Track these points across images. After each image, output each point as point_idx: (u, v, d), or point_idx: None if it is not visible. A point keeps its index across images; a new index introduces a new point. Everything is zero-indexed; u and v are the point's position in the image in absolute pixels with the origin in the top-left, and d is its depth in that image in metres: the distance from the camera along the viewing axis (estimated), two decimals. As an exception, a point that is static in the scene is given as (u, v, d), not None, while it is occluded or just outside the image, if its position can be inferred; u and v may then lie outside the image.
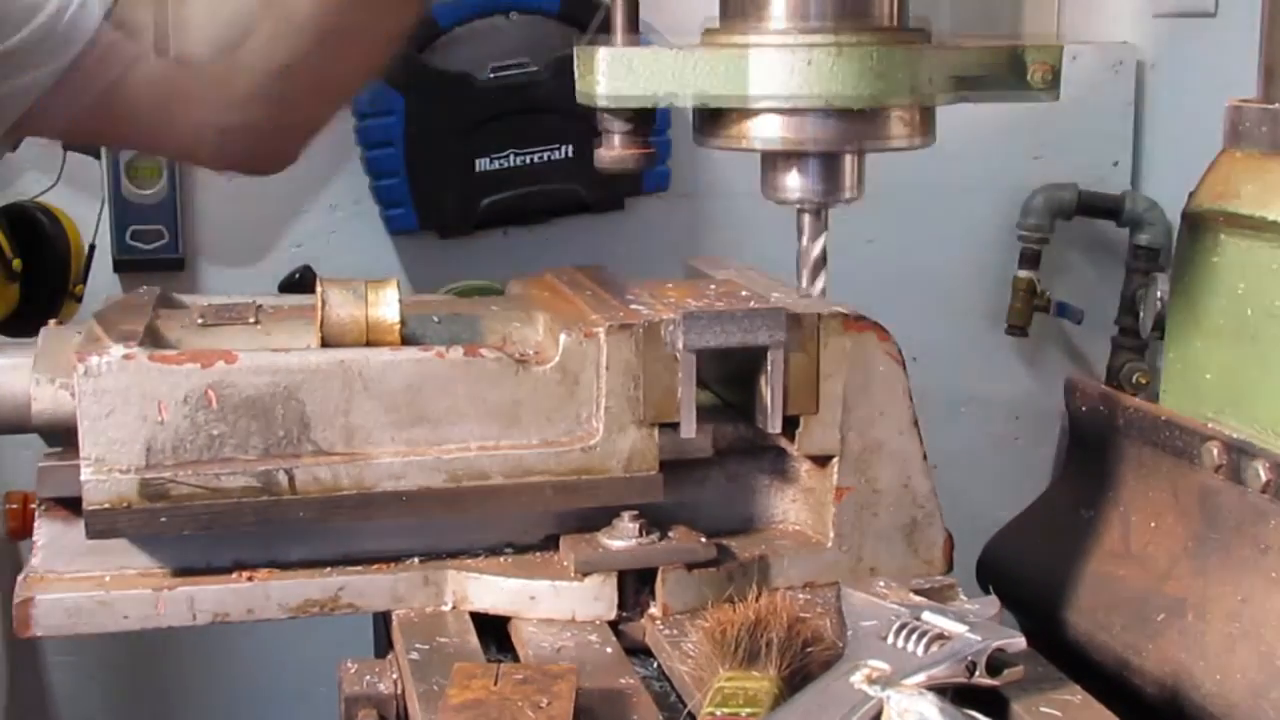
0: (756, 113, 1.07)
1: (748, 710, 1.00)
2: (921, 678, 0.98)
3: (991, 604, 1.10)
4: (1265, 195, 1.23)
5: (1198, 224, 1.30)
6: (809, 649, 1.05)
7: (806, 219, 1.14)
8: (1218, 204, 1.27)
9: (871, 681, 0.96)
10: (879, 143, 1.09)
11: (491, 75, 2.21)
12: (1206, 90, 1.60)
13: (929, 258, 2.44)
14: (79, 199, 2.18)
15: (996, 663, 1.01)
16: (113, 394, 1.10)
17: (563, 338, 1.17)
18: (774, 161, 1.13)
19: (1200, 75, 2.30)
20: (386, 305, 1.17)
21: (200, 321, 1.25)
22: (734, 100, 1.06)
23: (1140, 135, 2.50)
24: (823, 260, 1.15)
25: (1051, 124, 2.43)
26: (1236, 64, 1.46)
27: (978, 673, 1.00)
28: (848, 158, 1.12)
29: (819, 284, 1.15)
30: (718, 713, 1.00)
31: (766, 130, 1.08)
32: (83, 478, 1.10)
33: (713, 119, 1.11)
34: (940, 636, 1.02)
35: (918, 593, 1.15)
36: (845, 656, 1.02)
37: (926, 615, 1.04)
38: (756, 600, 1.08)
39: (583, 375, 1.17)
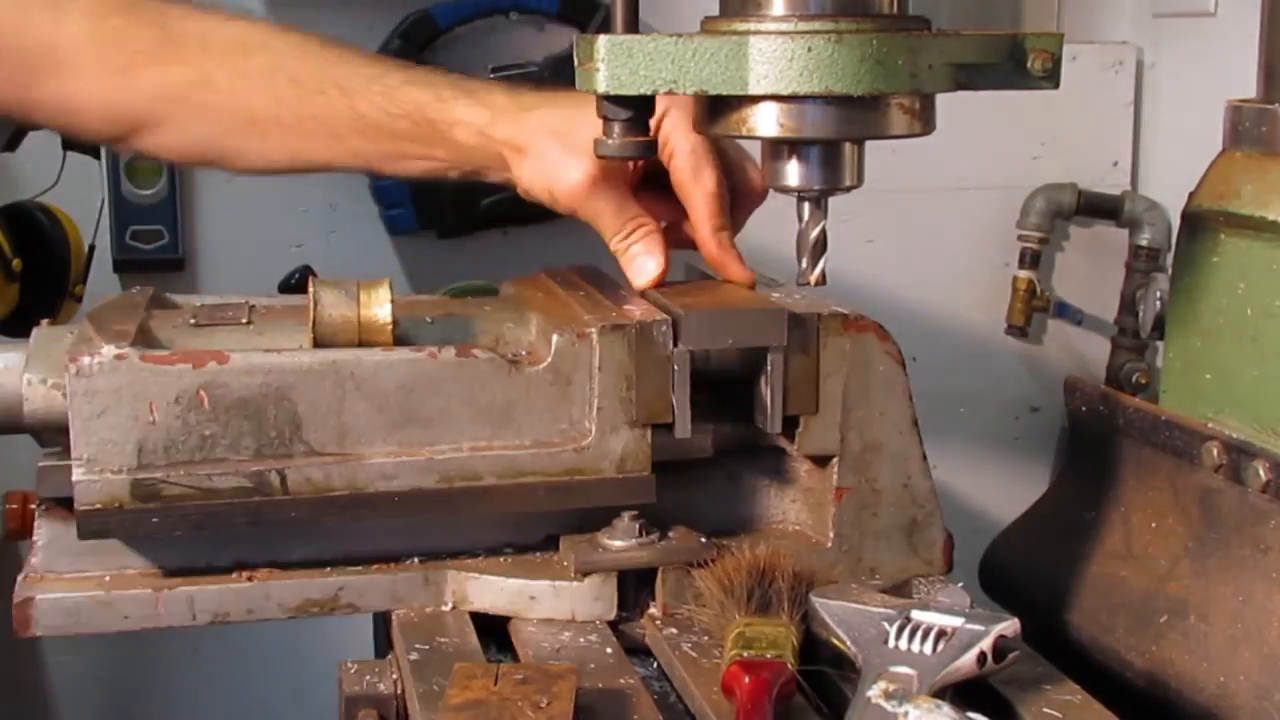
0: (756, 100, 1.07)
1: (772, 653, 1.03)
2: (941, 677, 0.99)
3: (960, 593, 1.10)
4: (1265, 195, 1.23)
5: (1198, 224, 1.30)
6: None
7: (806, 206, 1.13)
8: (1218, 204, 1.27)
9: (888, 696, 0.96)
10: (879, 131, 1.08)
11: (491, 75, 2.21)
12: (1206, 90, 1.60)
13: (929, 258, 2.43)
14: (79, 199, 2.17)
15: (999, 649, 1.02)
16: (104, 394, 1.09)
17: (555, 338, 1.16)
18: (773, 150, 1.13)
19: (1200, 75, 2.29)
20: (379, 305, 1.17)
21: (192, 322, 1.24)
22: (733, 88, 1.05)
23: (1140, 135, 2.49)
24: (823, 244, 1.14)
25: (1051, 124, 2.43)
26: (1236, 64, 1.46)
27: (988, 663, 1.01)
28: (847, 146, 1.11)
29: (819, 267, 1.14)
30: (745, 654, 1.02)
31: (766, 118, 1.07)
32: (74, 478, 1.09)
33: (712, 107, 1.11)
34: (942, 632, 1.02)
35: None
36: (865, 667, 1.01)
37: (915, 614, 1.04)
38: (753, 552, 1.12)
39: (575, 376, 1.16)
